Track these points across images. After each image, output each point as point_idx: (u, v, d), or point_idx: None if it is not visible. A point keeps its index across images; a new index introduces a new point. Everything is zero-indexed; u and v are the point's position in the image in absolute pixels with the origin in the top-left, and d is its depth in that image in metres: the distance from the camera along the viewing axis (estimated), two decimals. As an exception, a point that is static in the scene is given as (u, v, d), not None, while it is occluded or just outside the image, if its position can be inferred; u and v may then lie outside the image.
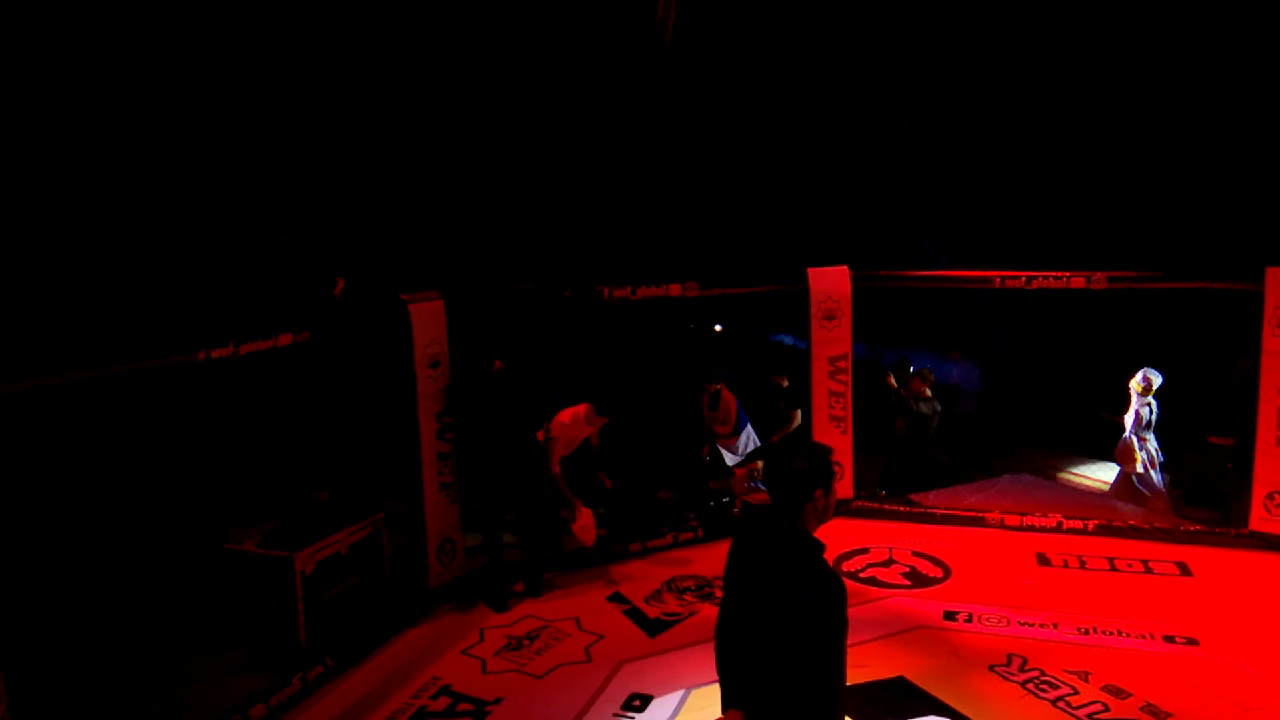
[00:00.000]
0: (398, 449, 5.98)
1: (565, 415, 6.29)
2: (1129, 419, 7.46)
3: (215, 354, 4.36)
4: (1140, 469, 7.51)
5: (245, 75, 10.39)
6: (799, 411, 7.55)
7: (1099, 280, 6.71)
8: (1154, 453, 7.51)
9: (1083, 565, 6.51)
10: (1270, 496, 6.48)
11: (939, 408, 8.26)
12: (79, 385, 3.78)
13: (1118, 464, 7.73)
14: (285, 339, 4.80)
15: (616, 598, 6.21)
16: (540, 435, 6.18)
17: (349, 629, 5.52)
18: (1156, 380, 7.30)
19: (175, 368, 4.22)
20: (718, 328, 11.96)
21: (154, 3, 8.74)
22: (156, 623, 5.43)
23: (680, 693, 4.97)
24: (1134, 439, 7.46)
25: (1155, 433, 7.45)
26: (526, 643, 5.62)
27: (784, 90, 9.17)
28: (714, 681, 4.95)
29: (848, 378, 7.37)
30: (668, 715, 4.78)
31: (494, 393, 6.05)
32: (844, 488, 7.54)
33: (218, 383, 5.19)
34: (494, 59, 11.14)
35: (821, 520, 2.81)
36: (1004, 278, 6.91)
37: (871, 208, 8.59)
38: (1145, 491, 7.49)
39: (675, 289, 6.78)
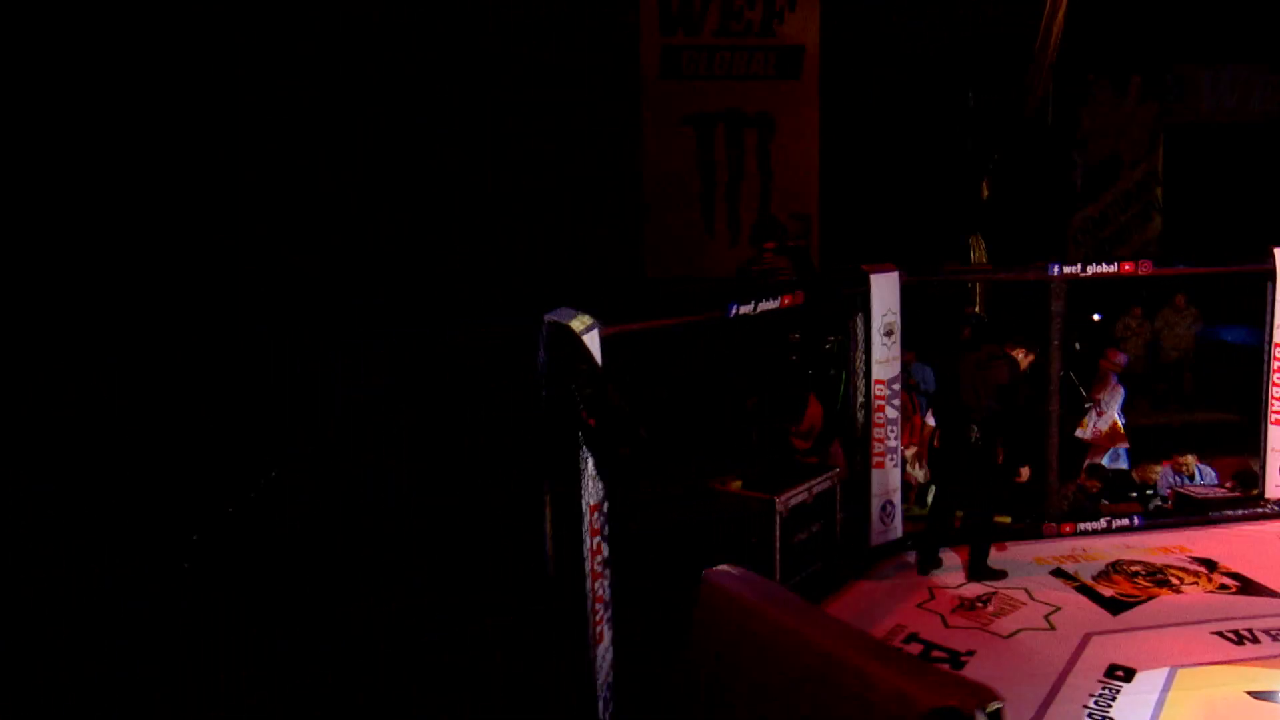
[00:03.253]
0: (850, 411, 6.37)
1: None
2: None
3: (742, 310, 4.92)
4: None
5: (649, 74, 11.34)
6: None
7: None
8: None
9: None
10: None
11: None
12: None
13: None
14: (786, 300, 5.31)
15: (1060, 573, 6.19)
16: None
17: (809, 572, 5.98)
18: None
19: (714, 321, 4.85)
20: (1096, 317, 11.35)
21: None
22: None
23: (1166, 670, 4.91)
24: None
25: None
26: (979, 605, 5.79)
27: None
28: (1203, 664, 4.95)
29: (1315, 368, 6.80)
30: (1157, 689, 4.75)
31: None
32: (1300, 488, 6.96)
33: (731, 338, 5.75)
34: (881, 45, 11.24)
35: None
36: None
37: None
38: None
39: (1127, 267, 6.61)
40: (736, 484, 5.90)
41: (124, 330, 6.67)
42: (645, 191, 11.05)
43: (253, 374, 6.44)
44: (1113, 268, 6.59)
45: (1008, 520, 6.64)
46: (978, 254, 9.56)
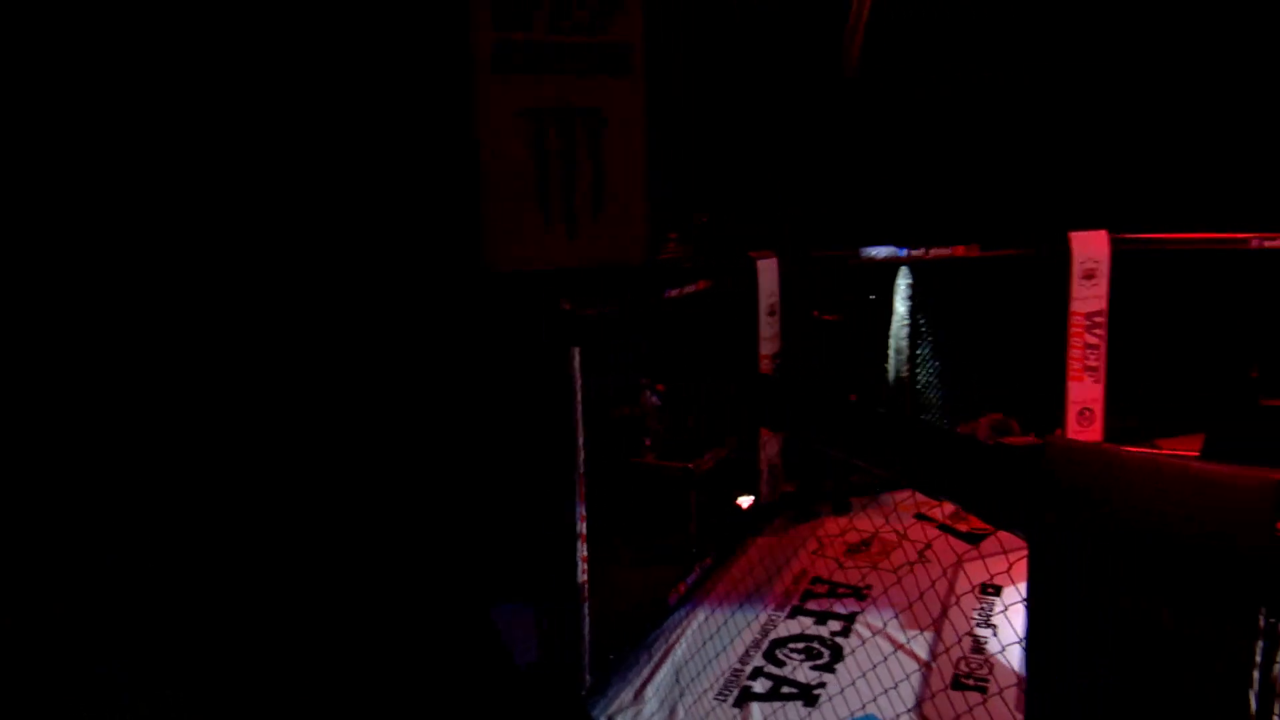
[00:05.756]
0: (739, 385, 7.02)
1: None
2: None
3: (674, 294, 5.42)
4: None
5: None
6: None
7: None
8: None
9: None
10: None
11: None
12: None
13: None
14: (702, 284, 5.86)
15: (922, 516, 7.15)
16: None
17: (715, 532, 6.58)
18: None
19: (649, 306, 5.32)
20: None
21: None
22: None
23: (1023, 583, 5.88)
24: None
25: None
26: (864, 548, 6.62)
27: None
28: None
29: (1104, 332, 8.14)
30: (1021, 597, 5.71)
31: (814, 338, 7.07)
32: (1094, 432, 8.35)
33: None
34: (713, 38, 11.83)
35: None
36: (1261, 239, 7.59)
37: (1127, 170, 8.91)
38: None
39: (960, 250, 7.66)
40: (651, 455, 6.40)
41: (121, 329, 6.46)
42: (482, 186, 11.24)
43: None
44: (949, 251, 7.62)
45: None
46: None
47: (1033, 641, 1.76)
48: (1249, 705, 1.49)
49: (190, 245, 7.07)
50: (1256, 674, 1.47)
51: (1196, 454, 4.00)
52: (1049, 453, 1.78)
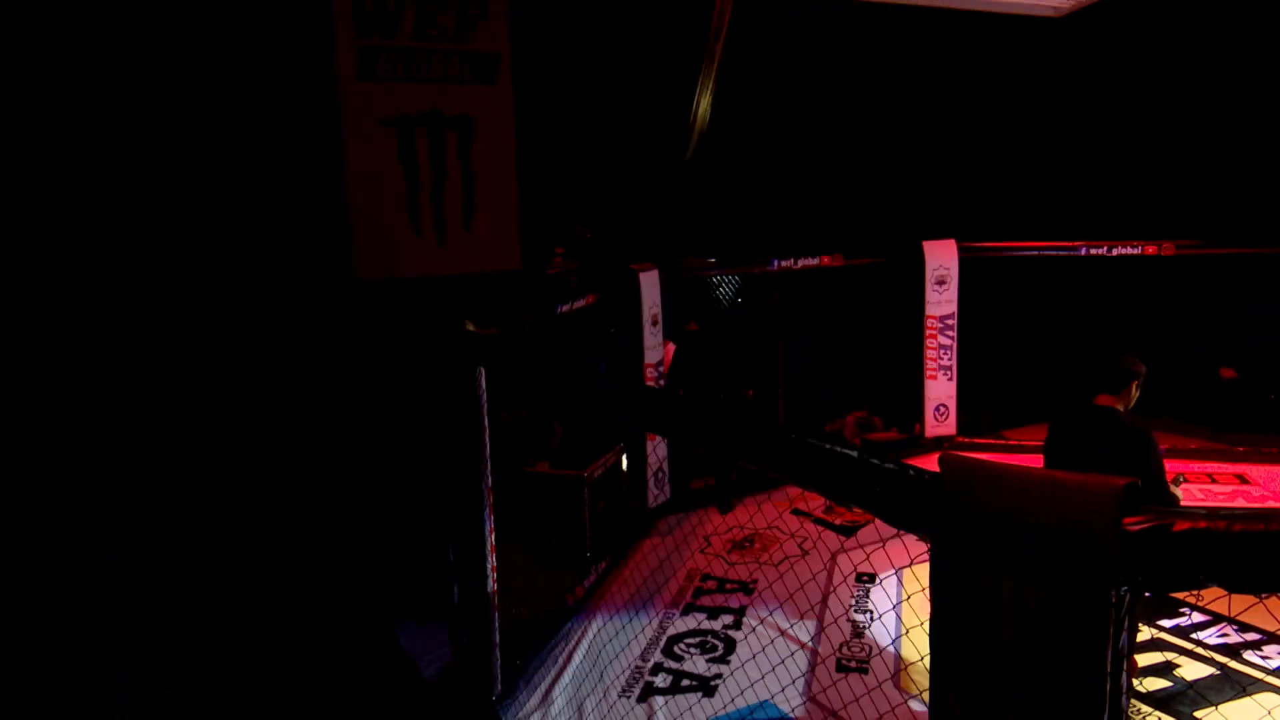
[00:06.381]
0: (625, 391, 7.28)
1: None
2: None
3: (565, 309, 5.62)
4: None
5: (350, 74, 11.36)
6: None
7: (1168, 248, 8.26)
8: None
9: None
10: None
11: None
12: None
13: None
14: (591, 298, 6.08)
15: (798, 512, 7.60)
16: None
17: (607, 536, 6.81)
18: None
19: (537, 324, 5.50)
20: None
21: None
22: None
23: (894, 570, 6.39)
24: None
25: None
26: (748, 544, 6.99)
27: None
28: (919, 562, 6.48)
29: (954, 334, 8.84)
30: (894, 584, 6.21)
31: (688, 348, 7.40)
32: (949, 426, 9.04)
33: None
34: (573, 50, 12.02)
35: (1128, 407, 4.18)
36: (1089, 247, 8.41)
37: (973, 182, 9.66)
38: None
39: (825, 260, 8.17)
40: (544, 464, 6.58)
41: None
42: (349, 194, 11.09)
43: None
44: (816, 260, 8.11)
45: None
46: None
47: (936, 622, 2.06)
48: (1106, 664, 1.84)
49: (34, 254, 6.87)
50: (1110, 640, 1.82)
51: (1039, 443, 4.56)
52: (945, 467, 2.09)
